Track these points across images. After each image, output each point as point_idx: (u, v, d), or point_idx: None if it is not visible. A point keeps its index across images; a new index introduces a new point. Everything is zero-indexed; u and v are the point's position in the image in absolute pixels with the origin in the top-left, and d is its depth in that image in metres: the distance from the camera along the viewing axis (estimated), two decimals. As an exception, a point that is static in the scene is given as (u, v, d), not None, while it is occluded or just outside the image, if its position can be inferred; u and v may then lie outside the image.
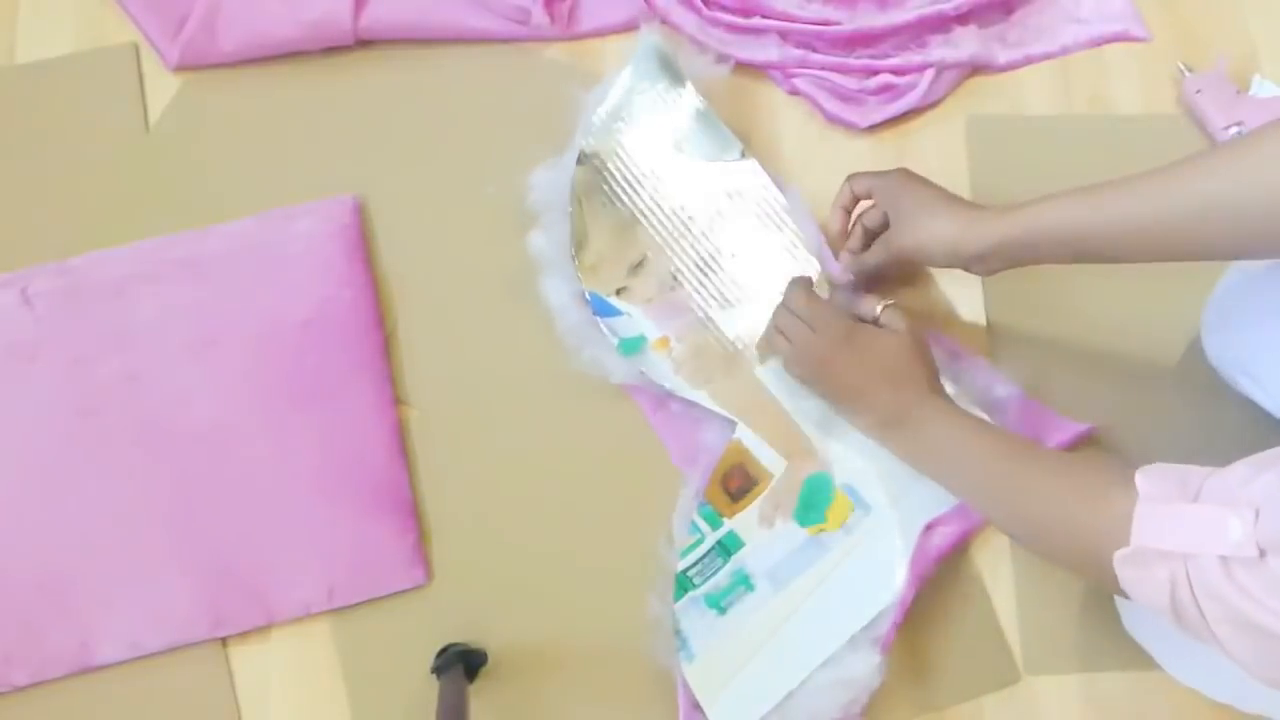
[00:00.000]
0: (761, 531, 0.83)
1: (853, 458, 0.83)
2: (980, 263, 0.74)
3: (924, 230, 0.75)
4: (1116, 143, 0.93)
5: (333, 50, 0.97)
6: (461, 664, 0.79)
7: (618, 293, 0.89)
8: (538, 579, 0.85)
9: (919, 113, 0.95)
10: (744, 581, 0.82)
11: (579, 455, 0.88)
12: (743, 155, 0.90)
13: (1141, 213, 0.65)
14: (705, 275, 0.89)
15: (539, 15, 0.96)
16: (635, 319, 0.88)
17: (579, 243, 0.89)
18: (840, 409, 0.81)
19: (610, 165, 0.90)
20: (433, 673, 0.80)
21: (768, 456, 0.84)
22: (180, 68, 0.98)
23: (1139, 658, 0.73)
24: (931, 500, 0.80)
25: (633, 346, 0.87)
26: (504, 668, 0.82)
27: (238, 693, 0.83)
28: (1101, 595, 0.78)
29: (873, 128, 0.94)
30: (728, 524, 0.83)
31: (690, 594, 0.81)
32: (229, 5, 0.97)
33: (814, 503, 0.83)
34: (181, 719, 0.83)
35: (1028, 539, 0.68)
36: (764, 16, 0.94)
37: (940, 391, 0.76)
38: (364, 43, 0.97)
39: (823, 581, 0.81)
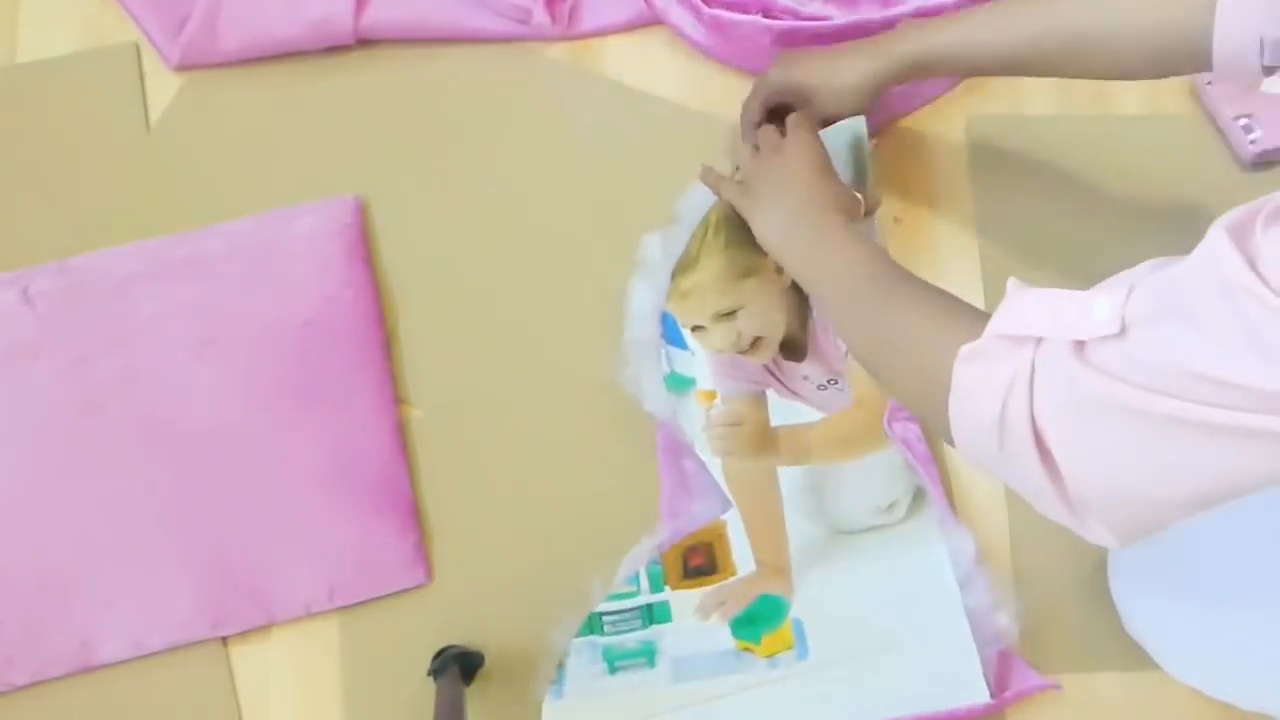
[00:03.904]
0: (693, 619, 0.80)
1: (821, 602, 0.80)
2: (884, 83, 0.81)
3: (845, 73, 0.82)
4: (1116, 143, 0.93)
5: (333, 50, 0.97)
6: (458, 666, 0.79)
7: (694, 329, 0.86)
8: (538, 579, 0.85)
9: (919, 113, 0.95)
10: (648, 655, 0.79)
11: (579, 455, 0.88)
12: None
13: (1010, 40, 0.75)
14: (784, 357, 0.86)
15: (540, 15, 0.96)
16: (696, 361, 0.86)
17: (685, 264, 0.86)
18: (772, 203, 0.77)
19: None
20: (429, 675, 0.80)
21: (741, 552, 0.81)
22: (181, 67, 0.98)
23: (1139, 658, 0.73)
24: (882, 692, 0.75)
25: (679, 384, 0.85)
26: (503, 669, 0.82)
27: (238, 693, 0.83)
28: (1102, 595, 0.77)
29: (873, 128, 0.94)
30: (667, 594, 0.81)
31: (592, 638, 0.80)
32: (230, 5, 0.97)
33: (757, 620, 0.80)
34: (181, 719, 0.83)
35: (875, 362, 0.65)
36: (764, 16, 0.94)
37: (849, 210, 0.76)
38: (364, 43, 0.97)
39: (719, 701, 0.77)
